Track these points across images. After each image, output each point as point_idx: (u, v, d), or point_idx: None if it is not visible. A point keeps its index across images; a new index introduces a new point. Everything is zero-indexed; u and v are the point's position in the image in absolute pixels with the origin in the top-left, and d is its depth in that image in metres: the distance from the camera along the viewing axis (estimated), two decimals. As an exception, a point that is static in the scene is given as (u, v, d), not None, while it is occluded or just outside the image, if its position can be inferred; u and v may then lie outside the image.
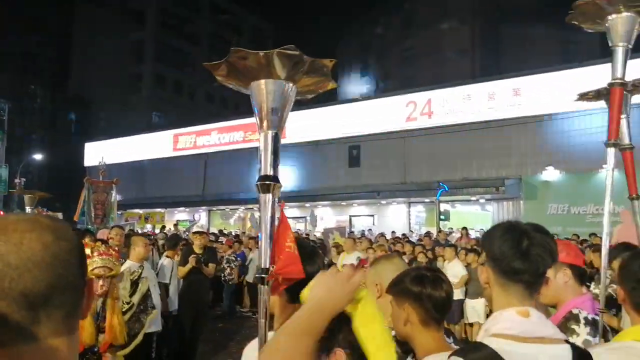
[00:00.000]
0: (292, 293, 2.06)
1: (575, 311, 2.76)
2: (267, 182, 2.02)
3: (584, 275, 3.05)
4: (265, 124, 2.07)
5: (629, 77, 3.38)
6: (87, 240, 6.26)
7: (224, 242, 16.74)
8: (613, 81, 3.15)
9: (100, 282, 4.66)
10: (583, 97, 3.90)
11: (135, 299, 5.65)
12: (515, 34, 40.48)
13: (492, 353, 1.60)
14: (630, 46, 3.13)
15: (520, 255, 1.72)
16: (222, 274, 14.26)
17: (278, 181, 2.05)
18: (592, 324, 2.72)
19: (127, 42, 58.59)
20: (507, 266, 1.73)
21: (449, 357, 1.68)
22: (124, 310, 5.39)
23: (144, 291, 5.85)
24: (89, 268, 4.31)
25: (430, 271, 2.35)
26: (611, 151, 3.16)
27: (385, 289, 2.44)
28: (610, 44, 3.15)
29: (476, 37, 43.07)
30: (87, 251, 4.71)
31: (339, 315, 1.60)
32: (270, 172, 2.05)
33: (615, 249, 4.19)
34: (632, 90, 3.61)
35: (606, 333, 2.74)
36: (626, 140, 3.54)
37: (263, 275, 1.95)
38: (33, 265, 0.93)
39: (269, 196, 2.02)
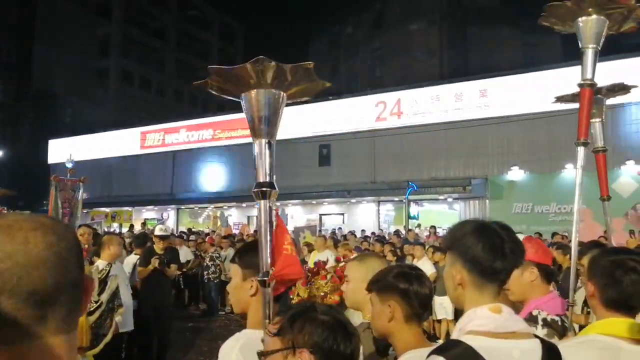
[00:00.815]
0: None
1: (534, 312, 2.82)
2: (264, 189, 2.09)
3: (552, 274, 3.08)
4: (258, 132, 2.12)
5: (602, 81, 3.45)
6: None
7: (205, 241, 16.74)
8: (583, 82, 3.19)
9: None
10: (560, 99, 3.92)
11: (104, 297, 5.53)
12: (482, 36, 41.03)
13: (469, 349, 1.64)
14: (599, 48, 3.17)
15: (500, 256, 1.75)
16: (206, 272, 14.27)
17: (274, 187, 2.10)
18: (550, 325, 2.78)
19: (93, 36, 57.46)
20: (489, 268, 1.76)
21: (427, 356, 1.70)
22: (92, 309, 5.26)
23: (112, 289, 5.75)
24: None
25: (411, 269, 2.38)
26: (581, 150, 3.21)
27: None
28: (580, 46, 3.20)
29: (444, 38, 43.52)
30: None
31: (305, 313, 1.65)
32: (266, 179, 2.10)
33: (585, 246, 4.30)
34: (606, 94, 3.67)
35: (566, 331, 2.81)
36: (599, 143, 3.61)
37: (265, 279, 2.01)
38: (40, 264, 0.94)
39: (266, 202, 2.09)
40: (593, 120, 3.60)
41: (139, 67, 57.66)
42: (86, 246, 7.68)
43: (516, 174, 21.56)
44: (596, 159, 3.62)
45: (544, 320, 2.79)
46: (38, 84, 61.76)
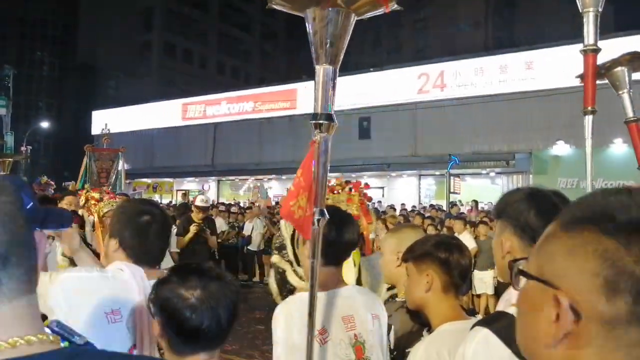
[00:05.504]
0: (327, 257, 2.12)
1: None
2: (321, 122, 1.95)
3: None
4: (321, 57, 1.95)
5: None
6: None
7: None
8: (585, 48, 3.11)
9: None
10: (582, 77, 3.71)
11: None
12: (529, 7, 40.05)
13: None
14: (599, 10, 3.08)
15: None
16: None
17: (333, 120, 1.95)
18: None
19: (136, 8, 58.03)
20: (540, 234, 1.66)
21: (472, 327, 1.63)
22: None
23: None
24: (104, 210, 4.59)
25: (451, 238, 2.32)
26: (588, 119, 3.15)
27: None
28: (580, 9, 3.11)
29: (490, 9, 42.63)
30: (96, 195, 4.89)
31: (165, 282, 1.72)
32: (324, 110, 1.96)
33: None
34: (626, 65, 3.57)
35: None
36: (630, 114, 3.54)
37: (318, 218, 1.95)
38: None
39: (323, 135, 1.97)
40: (621, 92, 3.59)
41: (181, 39, 58.00)
42: None
43: (561, 149, 21.06)
44: (629, 129, 3.53)
45: None
46: (82, 57, 62.89)
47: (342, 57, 1.97)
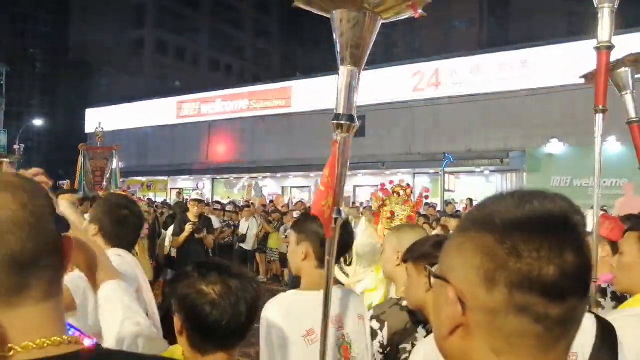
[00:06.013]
0: (322, 259, 2.19)
1: (604, 285, 2.82)
2: (341, 122, 1.98)
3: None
4: (346, 58, 1.99)
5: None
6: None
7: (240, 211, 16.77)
8: (599, 44, 3.03)
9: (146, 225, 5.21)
10: (586, 77, 3.80)
11: None
12: (524, 5, 40.10)
13: None
14: (615, 7, 3.00)
15: None
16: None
17: (353, 121, 1.99)
18: (619, 299, 2.77)
19: (128, 5, 57.81)
20: None
21: None
22: None
23: None
24: None
25: None
26: (599, 117, 3.10)
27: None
28: (595, 5, 3.03)
29: (485, 6, 42.67)
30: None
31: (184, 278, 1.73)
32: (344, 110, 1.99)
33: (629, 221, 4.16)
34: (630, 65, 3.56)
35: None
36: (632, 114, 3.54)
37: (336, 216, 2.00)
38: (15, 227, 0.88)
39: (343, 136, 2.00)
40: (623, 93, 3.58)
41: (173, 37, 57.81)
42: None
43: (555, 147, 21.08)
44: (631, 130, 3.55)
45: (613, 293, 2.83)
46: (74, 54, 62.56)
47: (366, 59, 2.01)
